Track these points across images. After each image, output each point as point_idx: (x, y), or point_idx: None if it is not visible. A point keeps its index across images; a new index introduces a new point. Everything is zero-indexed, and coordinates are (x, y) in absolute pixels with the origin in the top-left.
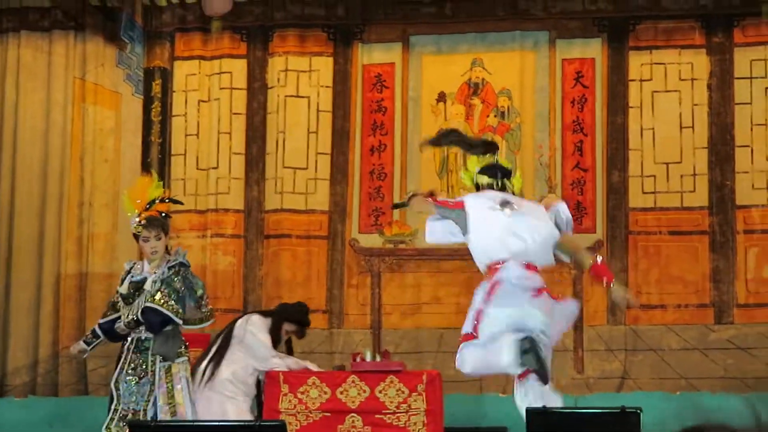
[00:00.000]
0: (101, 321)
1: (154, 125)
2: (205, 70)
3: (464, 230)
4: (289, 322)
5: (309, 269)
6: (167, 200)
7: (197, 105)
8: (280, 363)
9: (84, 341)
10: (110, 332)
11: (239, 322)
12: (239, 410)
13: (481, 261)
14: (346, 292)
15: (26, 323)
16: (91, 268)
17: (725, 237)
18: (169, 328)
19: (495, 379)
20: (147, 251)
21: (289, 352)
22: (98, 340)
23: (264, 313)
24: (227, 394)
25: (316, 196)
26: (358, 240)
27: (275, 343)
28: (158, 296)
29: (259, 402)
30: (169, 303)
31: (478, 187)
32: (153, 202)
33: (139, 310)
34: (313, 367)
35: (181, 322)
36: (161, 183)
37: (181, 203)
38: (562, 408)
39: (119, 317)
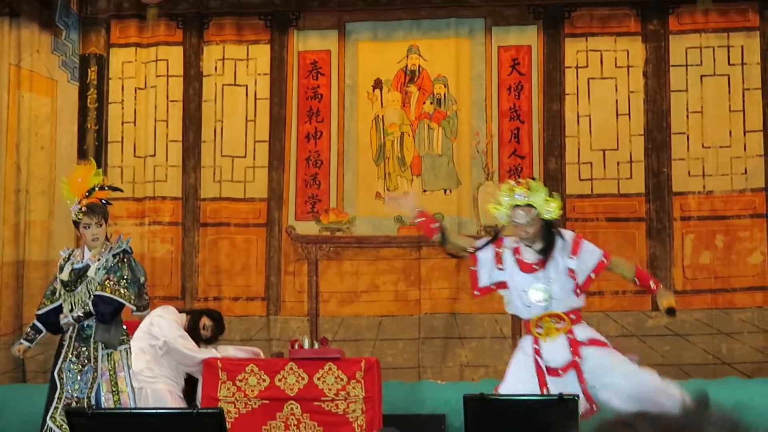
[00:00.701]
0: (39, 312)
1: (90, 112)
2: (141, 57)
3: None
4: (207, 316)
5: (247, 257)
6: (107, 187)
7: (134, 92)
8: (187, 344)
9: (25, 339)
10: (52, 325)
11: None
12: (167, 390)
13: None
14: (283, 279)
15: None
16: (28, 256)
17: (662, 224)
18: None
19: (433, 367)
20: (88, 238)
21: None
22: (40, 335)
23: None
24: (148, 380)
25: (254, 184)
26: (295, 227)
27: (196, 336)
28: (108, 284)
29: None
30: (120, 290)
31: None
32: (93, 189)
33: (90, 301)
34: (260, 353)
35: (135, 308)
36: (100, 170)
37: (121, 190)
38: (499, 395)
39: (58, 307)
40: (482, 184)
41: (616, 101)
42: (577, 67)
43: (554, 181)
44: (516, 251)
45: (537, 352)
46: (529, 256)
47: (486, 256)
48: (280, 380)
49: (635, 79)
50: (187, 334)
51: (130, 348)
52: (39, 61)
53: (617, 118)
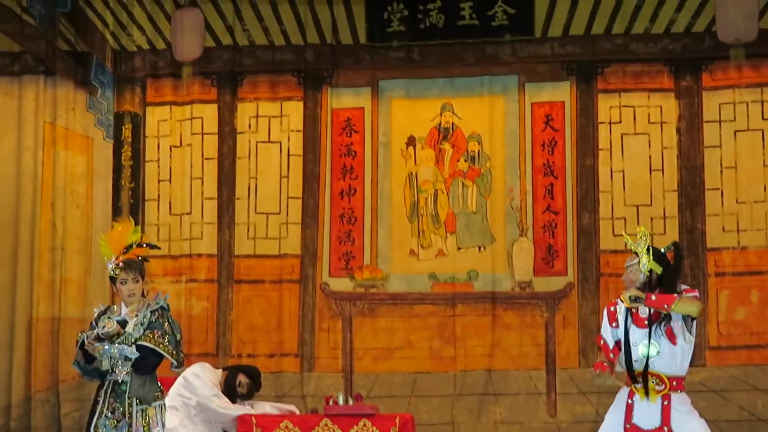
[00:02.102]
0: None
1: (124, 170)
2: (176, 115)
3: (692, 330)
4: (243, 373)
5: (281, 313)
6: (144, 245)
7: (169, 150)
8: (221, 402)
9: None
10: (87, 355)
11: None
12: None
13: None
14: (317, 335)
15: None
16: (64, 313)
17: (696, 279)
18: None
19: (468, 423)
20: (125, 294)
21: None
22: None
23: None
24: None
25: (288, 240)
26: (329, 284)
27: (232, 393)
28: (151, 337)
29: None
30: (164, 344)
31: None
32: (130, 246)
33: (133, 348)
34: (295, 410)
35: (176, 362)
36: (138, 227)
37: (158, 248)
38: None
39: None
40: (516, 240)
41: (650, 157)
42: (610, 123)
43: (588, 237)
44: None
45: (629, 407)
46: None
47: (605, 325)
48: None
49: (668, 134)
50: (221, 392)
51: (164, 404)
52: (74, 119)
53: (650, 173)
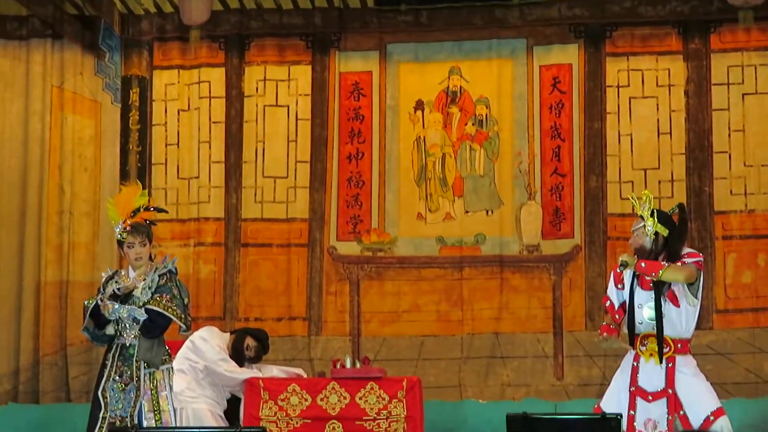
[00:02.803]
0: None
1: (132, 134)
2: (184, 79)
3: (695, 294)
4: (251, 336)
5: (288, 277)
6: (152, 209)
7: (177, 114)
8: (228, 366)
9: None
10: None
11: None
12: (208, 410)
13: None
14: (324, 299)
15: (7, 332)
16: (72, 277)
17: (704, 243)
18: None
19: (475, 386)
20: (131, 257)
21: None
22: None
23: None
24: (189, 400)
25: (296, 204)
26: (336, 248)
27: (240, 356)
28: (160, 301)
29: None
30: (172, 308)
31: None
32: (138, 210)
33: (142, 310)
34: (303, 374)
35: (185, 326)
36: (146, 191)
37: (166, 211)
38: (541, 414)
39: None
40: (524, 204)
41: (658, 120)
42: (618, 86)
43: (595, 200)
44: None
45: (635, 370)
46: None
47: (611, 287)
48: (322, 400)
49: (677, 98)
50: (228, 356)
51: (172, 368)
52: (82, 83)
53: (658, 137)
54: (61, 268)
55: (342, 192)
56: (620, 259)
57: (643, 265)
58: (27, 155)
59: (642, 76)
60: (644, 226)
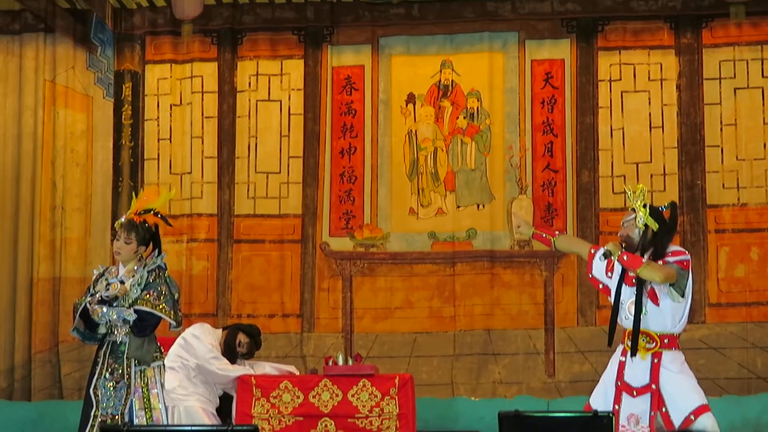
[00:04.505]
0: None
1: (124, 129)
2: (176, 73)
3: (681, 292)
4: (243, 332)
5: (282, 273)
6: (159, 215)
7: (169, 109)
8: (220, 364)
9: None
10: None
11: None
12: (200, 407)
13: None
14: (317, 295)
15: (3, 329)
16: (65, 273)
17: (696, 236)
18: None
19: (467, 383)
20: (114, 249)
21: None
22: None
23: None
24: (181, 398)
25: (288, 200)
26: (329, 243)
27: (232, 352)
28: (148, 299)
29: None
30: (160, 305)
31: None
32: (147, 211)
33: (131, 310)
34: (295, 371)
35: (175, 323)
36: (171, 194)
37: (170, 225)
38: (533, 412)
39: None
40: (516, 198)
41: (650, 114)
42: (610, 81)
43: (587, 195)
44: None
45: (622, 365)
46: None
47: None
48: (314, 397)
49: (668, 92)
50: (220, 353)
51: (163, 365)
52: (74, 77)
53: (650, 131)
54: (53, 264)
55: (335, 187)
56: (605, 247)
57: (625, 258)
58: (20, 150)
59: (634, 71)
60: (635, 217)
